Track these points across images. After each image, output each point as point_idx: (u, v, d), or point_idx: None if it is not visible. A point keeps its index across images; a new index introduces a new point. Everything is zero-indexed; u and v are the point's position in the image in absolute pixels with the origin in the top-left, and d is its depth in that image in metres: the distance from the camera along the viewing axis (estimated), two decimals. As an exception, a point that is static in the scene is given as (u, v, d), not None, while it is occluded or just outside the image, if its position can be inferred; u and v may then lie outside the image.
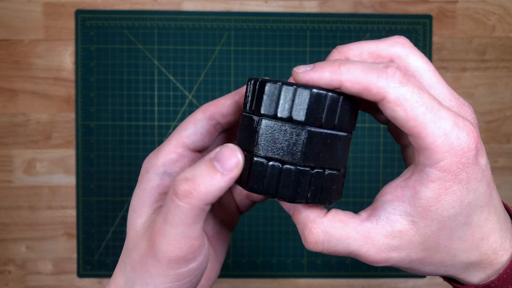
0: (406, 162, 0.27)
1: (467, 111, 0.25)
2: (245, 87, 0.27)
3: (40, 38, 0.59)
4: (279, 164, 0.23)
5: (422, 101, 0.22)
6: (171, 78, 0.59)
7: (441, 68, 0.60)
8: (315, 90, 0.23)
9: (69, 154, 0.59)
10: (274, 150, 0.24)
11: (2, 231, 0.59)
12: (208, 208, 0.25)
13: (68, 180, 0.59)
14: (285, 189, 0.24)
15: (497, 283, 0.25)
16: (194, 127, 0.28)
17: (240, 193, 0.32)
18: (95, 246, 0.59)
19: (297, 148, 0.23)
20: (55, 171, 0.59)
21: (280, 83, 0.23)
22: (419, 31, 0.59)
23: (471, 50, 0.60)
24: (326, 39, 0.59)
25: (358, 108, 0.25)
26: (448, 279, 0.27)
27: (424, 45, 0.59)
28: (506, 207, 0.27)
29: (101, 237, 0.59)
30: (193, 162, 0.28)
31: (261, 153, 0.24)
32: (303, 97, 0.23)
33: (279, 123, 0.23)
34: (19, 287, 0.59)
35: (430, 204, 0.23)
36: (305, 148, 0.23)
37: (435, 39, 0.59)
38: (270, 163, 0.24)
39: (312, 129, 0.23)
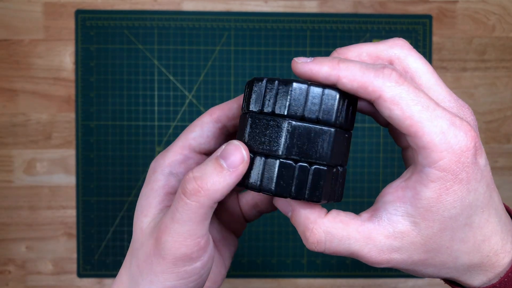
0: (407, 164, 0.27)
1: (467, 112, 0.25)
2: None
3: (40, 38, 0.59)
4: (264, 158, 0.24)
5: (418, 99, 0.22)
6: (171, 78, 0.59)
7: (441, 68, 0.60)
8: (295, 84, 0.24)
9: (69, 154, 0.59)
10: (258, 144, 0.24)
11: (2, 231, 0.59)
12: (215, 206, 0.25)
13: (68, 180, 0.59)
14: (267, 181, 0.24)
15: (499, 286, 0.25)
16: (200, 130, 0.29)
17: (247, 202, 0.32)
18: (95, 246, 0.59)
19: (279, 141, 0.24)
20: (55, 171, 0.59)
21: (265, 79, 0.24)
22: (419, 31, 0.59)
23: (471, 50, 0.60)
24: (326, 39, 0.59)
25: (355, 106, 0.25)
26: (449, 281, 0.27)
27: (424, 45, 0.59)
28: (507, 209, 0.27)
29: (101, 237, 0.59)
30: (198, 164, 0.29)
31: (254, 149, 0.24)
32: (285, 90, 0.24)
33: (261, 117, 0.24)
34: (19, 287, 0.59)
35: (431, 205, 0.23)
36: (287, 140, 0.24)
37: (435, 39, 0.59)
38: (257, 157, 0.24)
39: (294, 122, 0.23)
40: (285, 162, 0.24)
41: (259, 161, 0.24)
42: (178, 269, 0.25)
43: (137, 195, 0.59)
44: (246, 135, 0.25)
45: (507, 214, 0.26)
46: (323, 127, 0.24)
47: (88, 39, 0.59)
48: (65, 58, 0.59)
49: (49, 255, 0.59)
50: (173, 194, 0.28)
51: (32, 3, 0.58)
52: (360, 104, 0.27)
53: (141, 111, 0.59)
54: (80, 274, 0.59)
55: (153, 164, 0.29)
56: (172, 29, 0.59)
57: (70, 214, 0.59)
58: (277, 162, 0.24)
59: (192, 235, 0.25)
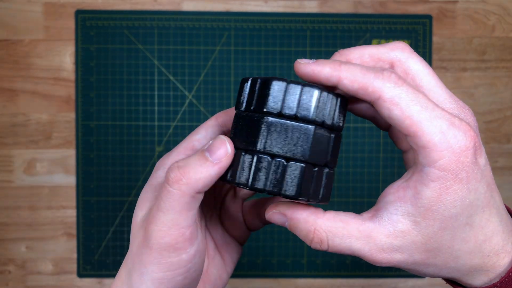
0: (407, 167, 0.27)
1: (467, 113, 0.25)
2: None
3: (40, 38, 0.59)
4: (243, 153, 0.25)
5: (417, 100, 0.23)
6: (171, 78, 0.59)
7: (441, 68, 0.60)
8: (275, 81, 0.24)
9: (69, 154, 0.59)
10: (241, 140, 0.25)
11: (2, 231, 0.59)
12: (199, 197, 0.25)
13: (68, 180, 0.59)
14: (245, 176, 0.24)
15: (499, 286, 0.25)
16: (204, 132, 0.29)
17: (250, 211, 0.33)
18: (95, 246, 0.59)
19: (257, 137, 0.24)
20: (55, 171, 0.59)
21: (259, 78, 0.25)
22: (419, 31, 0.59)
23: (471, 50, 0.60)
24: (326, 39, 0.59)
25: (345, 106, 0.25)
26: (450, 281, 0.27)
27: (424, 45, 0.59)
28: (508, 210, 0.27)
29: (101, 237, 0.59)
30: None
31: (238, 145, 0.25)
32: (266, 88, 0.24)
33: (245, 114, 0.25)
34: (19, 287, 0.59)
35: (431, 204, 0.23)
36: (264, 136, 0.24)
37: (435, 39, 0.59)
38: (238, 152, 0.25)
39: (271, 118, 0.24)
40: (261, 156, 0.24)
41: (239, 156, 0.25)
42: (164, 260, 0.26)
43: (137, 195, 0.59)
44: (232, 132, 0.26)
45: (508, 215, 0.26)
46: (301, 124, 0.24)
47: (88, 39, 0.59)
48: (65, 58, 0.59)
49: (49, 255, 0.59)
50: None
51: (32, 3, 0.59)
52: (361, 108, 0.27)
53: (141, 111, 0.59)
54: (80, 274, 0.59)
55: (157, 163, 0.30)
56: (172, 29, 0.59)
57: (70, 214, 0.59)
58: (254, 156, 0.24)
59: (175, 225, 0.25)
